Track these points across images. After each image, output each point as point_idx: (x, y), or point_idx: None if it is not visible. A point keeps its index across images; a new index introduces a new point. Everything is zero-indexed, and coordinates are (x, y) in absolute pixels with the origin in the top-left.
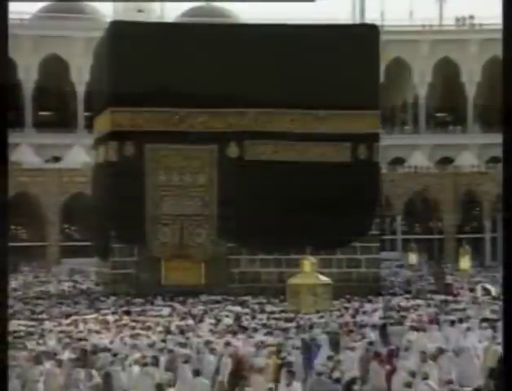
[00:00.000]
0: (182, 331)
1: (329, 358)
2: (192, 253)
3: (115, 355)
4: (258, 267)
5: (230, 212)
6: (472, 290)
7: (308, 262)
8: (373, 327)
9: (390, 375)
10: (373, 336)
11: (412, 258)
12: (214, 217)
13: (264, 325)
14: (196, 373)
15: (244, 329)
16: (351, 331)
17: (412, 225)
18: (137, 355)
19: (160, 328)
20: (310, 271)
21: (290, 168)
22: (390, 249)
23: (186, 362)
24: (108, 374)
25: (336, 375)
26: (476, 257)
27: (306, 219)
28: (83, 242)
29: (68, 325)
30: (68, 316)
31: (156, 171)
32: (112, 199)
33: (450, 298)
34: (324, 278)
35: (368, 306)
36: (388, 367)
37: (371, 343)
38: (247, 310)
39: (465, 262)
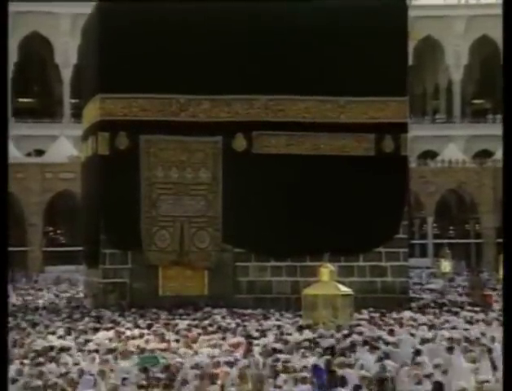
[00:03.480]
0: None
1: None
2: (194, 260)
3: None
4: (268, 276)
5: (236, 213)
6: None
7: (326, 270)
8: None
9: None
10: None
11: (446, 266)
12: (219, 218)
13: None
14: None
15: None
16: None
17: (446, 227)
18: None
19: (226, 346)
20: (328, 280)
21: (305, 162)
22: (420, 255)
23: None
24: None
25: None
26: None
27: (324, 221)
28: (69, 247)
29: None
30: (95, 330)
31: (153, 166)
32: (103, 198)
33: None
34: (344, 289)
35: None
36: None
37: None
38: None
39: None
